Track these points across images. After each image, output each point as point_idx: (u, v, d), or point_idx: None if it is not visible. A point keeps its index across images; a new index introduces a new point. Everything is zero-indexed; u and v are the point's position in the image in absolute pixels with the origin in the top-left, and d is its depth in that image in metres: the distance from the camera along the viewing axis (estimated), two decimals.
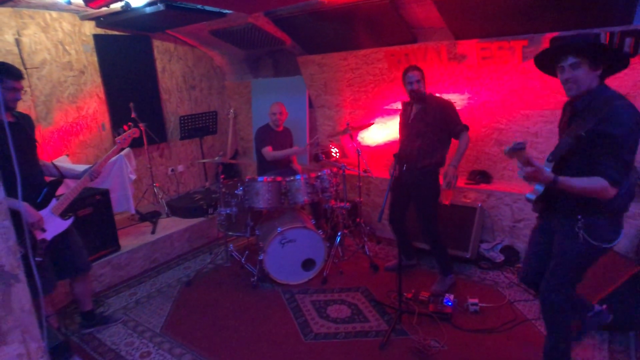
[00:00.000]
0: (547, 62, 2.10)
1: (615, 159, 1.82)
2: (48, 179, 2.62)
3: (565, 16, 3.13)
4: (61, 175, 2.64)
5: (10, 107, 2.38)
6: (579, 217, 1.98)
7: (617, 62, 1.94)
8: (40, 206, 2.46)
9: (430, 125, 3.14)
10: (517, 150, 1.76)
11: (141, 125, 4.38)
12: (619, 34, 3.06)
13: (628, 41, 3.05)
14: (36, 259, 2.34)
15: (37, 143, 2.57)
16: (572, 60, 1.90)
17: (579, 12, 3.05)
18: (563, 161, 1.96)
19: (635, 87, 3.20)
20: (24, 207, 2.31)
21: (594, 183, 1.85)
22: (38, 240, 2.41)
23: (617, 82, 3.21)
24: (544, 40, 3.37)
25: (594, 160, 1.87)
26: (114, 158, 3.92)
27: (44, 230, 2.43)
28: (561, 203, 2.03)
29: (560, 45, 1.94)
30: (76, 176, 2.66)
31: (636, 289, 2.69)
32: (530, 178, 1.86)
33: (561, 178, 1.87)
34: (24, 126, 2.47)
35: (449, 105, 3.20)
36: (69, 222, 2.59)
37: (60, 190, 2.62)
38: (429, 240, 3.30)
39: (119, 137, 2.84)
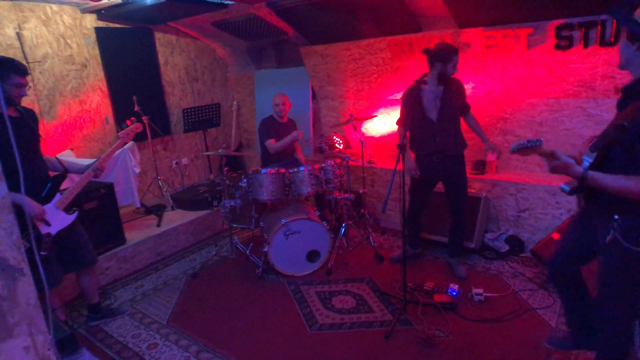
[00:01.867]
0: None
1: None
2: (52, 173, 2.64)
3: (571, 2, 3.08)
4: (65, 170, 2.65)
5: (15, 103, 2.39)
6: (616, 217, 1.71)
7: None
8: (44, 201, 2.47)
9: (456, 109, 3.13)
10: (527, 149, 1.63)
11: (144, 118, 4.38)
12: None
13: None
14: (41, 252, 2.37)
15: (40, 138, 2.58)
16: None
17: None
18: (606, 152, 1.72)
19: None
20: (26, 200, 2.31)
21: (632, 184, 1.60)
22: (43, 234, 2.43)
23: None
24: (550, 28, 3.32)
25: (637, 156, 1.62)
26: (118, 152, 3.94)
27: (48, 224, 2.45)
28: (599, 197, 1.78)
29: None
30: (80, 170, 2.67)
31: None
32: (557, 171, 1.70)
33: (592, 174, 1.66)
34: (27, 121, 2.47)
35: (461, 84, 3.18)
36: (74, 216, 2.60)
37: (64, 185, 2.63)
38: (458, 219, 3.33)
39: (122, 131, 2.84)
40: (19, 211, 2.25)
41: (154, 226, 4.13)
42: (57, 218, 2.50)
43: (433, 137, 3.09)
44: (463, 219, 3.33)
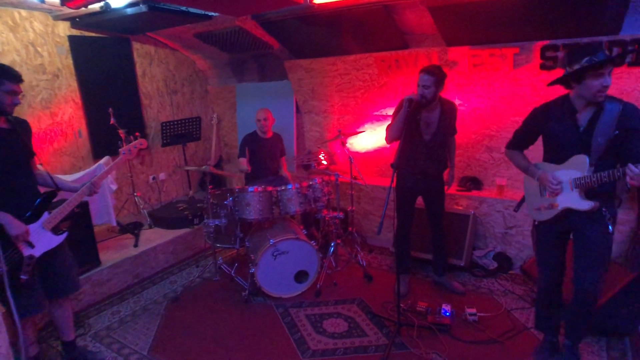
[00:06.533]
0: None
1: None
2: (42, 189, 2.43)
3: (555, 25, 3.16)
4: (56, 187, 2.43)
5: (7, 112, 2.22)
6: (603, 209, 2.14)
7: None
8: (30, 219, 2.27)
9: (448, 131, 3.14)
10: None
11: (121, 131, 4.16)
12: (607, 44, 3.11)
13: (615, 51, 3.11)
14: (21, 276, 2.16)
15: (33, 151, 2.38)
16: (611, 68, 2.01)
17: (569, 21, 3.09)
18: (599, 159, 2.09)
19: (622, 96, 3.24)
20: (7, 218, 2.13)
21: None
22: (25, 257, 2.21)
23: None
24: (535, 48, 3.38)
25: (628, 148, 2.02)
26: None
27: (32, 245, 2.24)
28: (597, 199, 2.15)
29: (610, 57, 1.99)
30: (72, 189, 2.46)
31: (631, 295, 2.71)
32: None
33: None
34: (18, 133, 2.28)
35: (455, 108, 3.18)
36: (61, 238, 2.39)
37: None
38: (440, 238, 3.35)
39: (124, 147, 2.62)
40: (1, 230, 2.09)
41: (130, 246, 3.90)
42: (42, 239, 2.29)
43: (421, 158, 3.11)
44: (444, 232, 3.36)
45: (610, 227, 2.15)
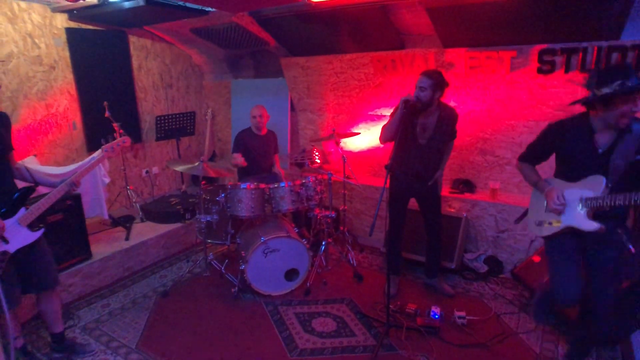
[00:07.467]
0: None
1: None
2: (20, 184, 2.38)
3: (554, 29, 3.15)
4: (34, 182, 2.39)
5: None
6: (619, 230, 2.05)
7: None
8: (5, 215, 2.23)
9: (445, 137, 3.09)
10: None
11: (115, 125, 4.15)
12: (607, 49, 3.10)
13: (614, 56, 3.09)
14: None
15: (11, 145, 2.33)
16: None
17: (569, 25, 3.07)
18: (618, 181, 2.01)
19: None
20: None
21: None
22: None
23: None
24: (533, 52, 3.38)
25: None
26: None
27: (6, 241, 2.20)
28: (609, 220, 2.06)
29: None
30: (51, 184, 2.41)
31: (623, 303, 2.71)
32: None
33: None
34: None
35: (456, 114, 3.12)
36: (38, 234, 2.34)
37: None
38: (436, 237, 3.32)
39: (107, 144, 2.55)
40: None
41: (121, 239, 3.89)
42: (17, 235, 2.25)
43: (414, 162, 3.08)
44: (440, 236, 3.33)
45: (631, 247, 2.02)
